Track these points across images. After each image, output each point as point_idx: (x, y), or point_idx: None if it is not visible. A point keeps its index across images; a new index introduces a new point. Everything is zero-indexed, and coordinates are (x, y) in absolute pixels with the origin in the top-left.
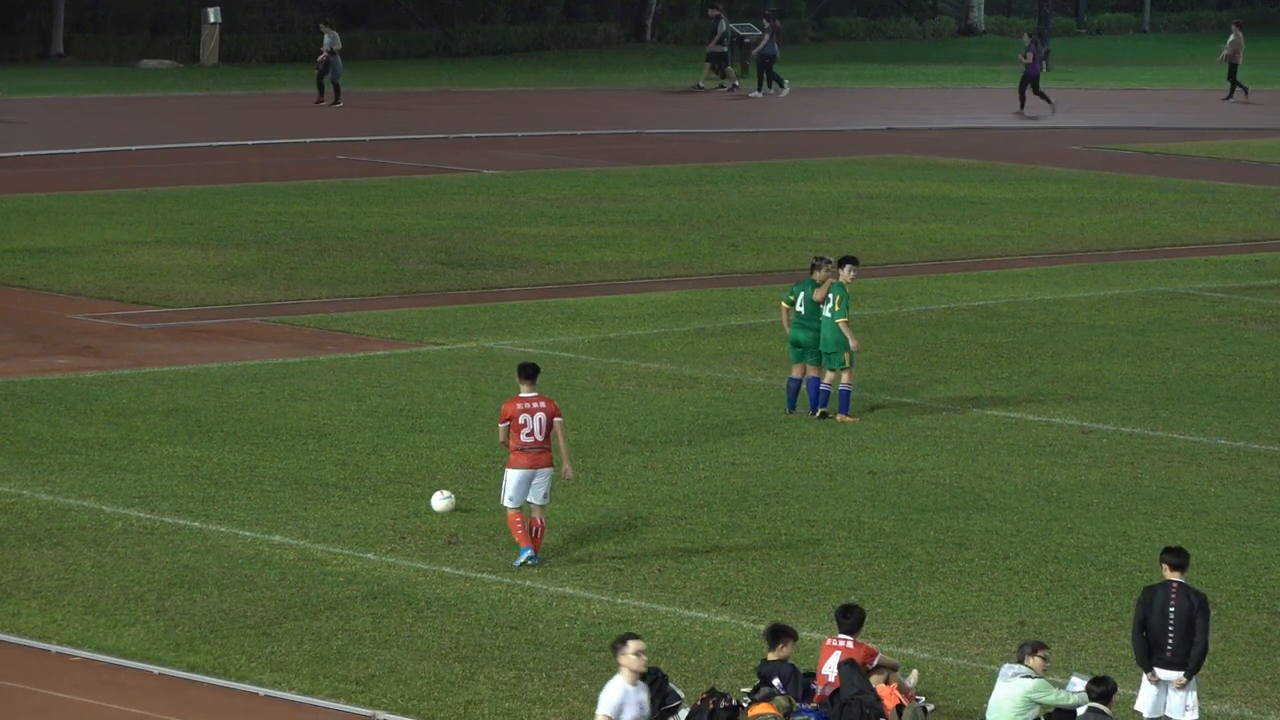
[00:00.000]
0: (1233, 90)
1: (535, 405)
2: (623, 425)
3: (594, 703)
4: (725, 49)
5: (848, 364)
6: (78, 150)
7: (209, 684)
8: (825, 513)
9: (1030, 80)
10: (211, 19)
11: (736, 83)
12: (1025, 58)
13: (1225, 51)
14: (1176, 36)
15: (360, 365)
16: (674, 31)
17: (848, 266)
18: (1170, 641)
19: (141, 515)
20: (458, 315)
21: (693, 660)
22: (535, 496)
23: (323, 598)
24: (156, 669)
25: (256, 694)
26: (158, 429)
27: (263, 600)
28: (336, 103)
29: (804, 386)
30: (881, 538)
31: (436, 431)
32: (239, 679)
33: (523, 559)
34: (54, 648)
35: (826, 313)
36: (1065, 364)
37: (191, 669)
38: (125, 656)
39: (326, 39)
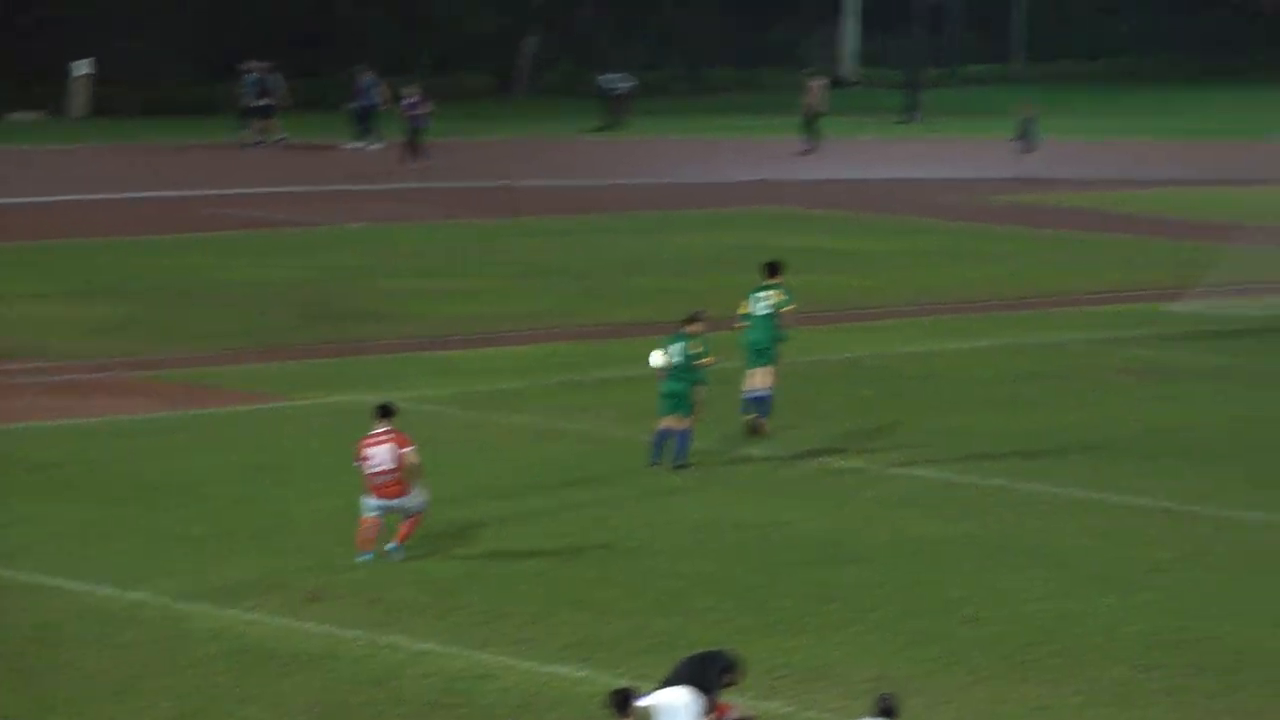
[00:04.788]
0: (810, 140)
1: (383, 438)
2: (489, 479)
3: None
4: (273, 103)
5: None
6: None
7: None
8: (691, 566)
9: (415, 131)
10: (81, 71)
11: (284, 135)
12: (412, 109)
13: (806, 101)
14: (1047, 87)
15: (228, 420)
16: (544, 82)
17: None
18: None
19: (1, 573)
20: (326, 369)
21: (552, 716)
22: (405, 513)
23: (184, 655)
24: None
25: None
26: (22, 485)
27: (123, 658)
28: None
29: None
30: (747, 591)
31: (302, 486)
32: None
33: (360, 560)
34: None
35: (765, 310)
36: (934, 416)
37: None
38: None
39: None
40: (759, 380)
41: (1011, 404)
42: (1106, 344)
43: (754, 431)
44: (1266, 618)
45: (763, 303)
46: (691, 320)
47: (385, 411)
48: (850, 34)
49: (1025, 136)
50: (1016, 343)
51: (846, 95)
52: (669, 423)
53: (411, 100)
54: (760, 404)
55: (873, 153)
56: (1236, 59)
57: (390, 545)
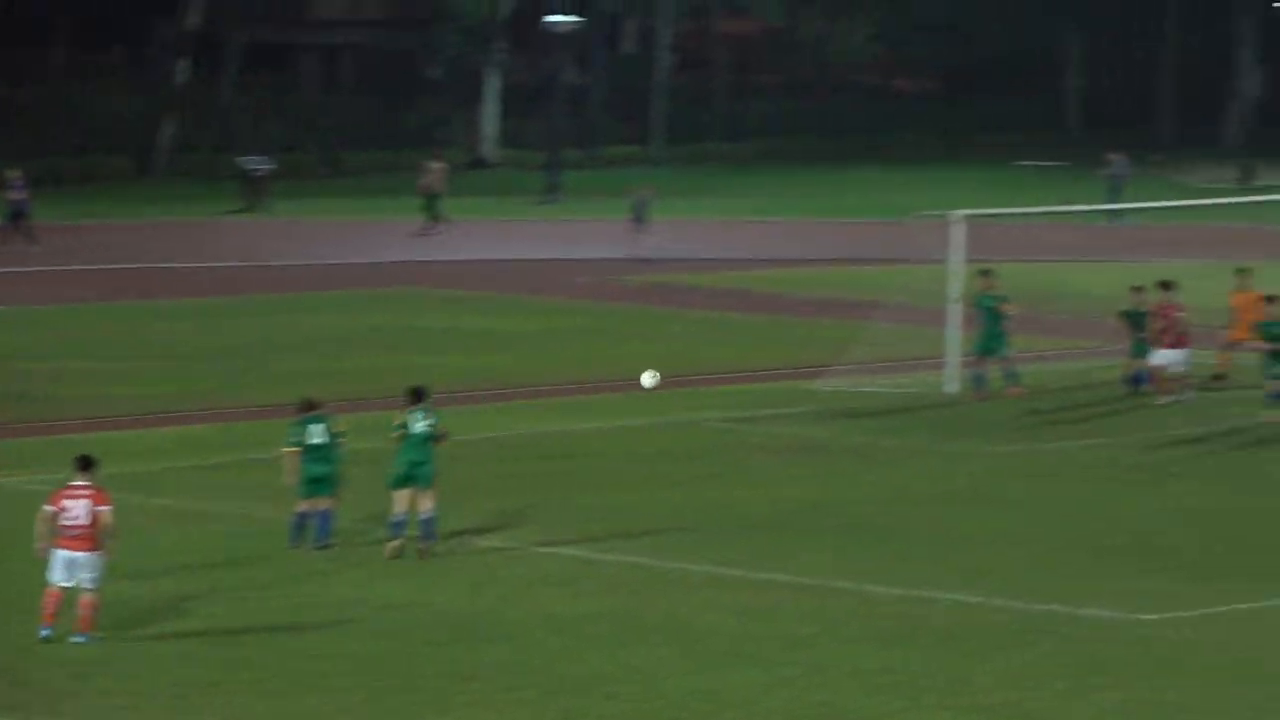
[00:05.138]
0: (432, 220)
1: (82, 492)
2: (130, 561)
3: None
4: None
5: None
6: None
7: None
8: (334, 647)
9: (18, 215)
10: None
11: None
12: (17, 193)
13: (425, 182)
14: (686, 168)
15: None
16: (183, 164)
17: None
18: None
19: None
20: None
21: None
22: (84, 581)
23: None
24: None
25: None
26: None
27: None
28: None
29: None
30: (390, 671)
31: None
32: None
33: (42, 636)
34: None
35: (424, 430)
36: (575, 494)
37: None
38: None
39: None
40: (419, 503)
41: (651, 482)
42: (746, 422)
43: (420, 555)
44: (904, 691)
45: (422, 423)
46: (309, 407)
47: (85, 464)
48: (491, 116)
49: (638, 217)
50: (656, 421)
51: (488, 176)
52: (308, 504)
53: (17, 183)
54: (426, 526)
55: (512, 233)
56: (874, 140)
57: (78, 638)
